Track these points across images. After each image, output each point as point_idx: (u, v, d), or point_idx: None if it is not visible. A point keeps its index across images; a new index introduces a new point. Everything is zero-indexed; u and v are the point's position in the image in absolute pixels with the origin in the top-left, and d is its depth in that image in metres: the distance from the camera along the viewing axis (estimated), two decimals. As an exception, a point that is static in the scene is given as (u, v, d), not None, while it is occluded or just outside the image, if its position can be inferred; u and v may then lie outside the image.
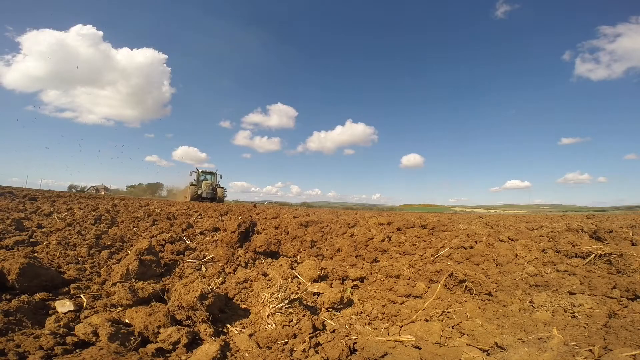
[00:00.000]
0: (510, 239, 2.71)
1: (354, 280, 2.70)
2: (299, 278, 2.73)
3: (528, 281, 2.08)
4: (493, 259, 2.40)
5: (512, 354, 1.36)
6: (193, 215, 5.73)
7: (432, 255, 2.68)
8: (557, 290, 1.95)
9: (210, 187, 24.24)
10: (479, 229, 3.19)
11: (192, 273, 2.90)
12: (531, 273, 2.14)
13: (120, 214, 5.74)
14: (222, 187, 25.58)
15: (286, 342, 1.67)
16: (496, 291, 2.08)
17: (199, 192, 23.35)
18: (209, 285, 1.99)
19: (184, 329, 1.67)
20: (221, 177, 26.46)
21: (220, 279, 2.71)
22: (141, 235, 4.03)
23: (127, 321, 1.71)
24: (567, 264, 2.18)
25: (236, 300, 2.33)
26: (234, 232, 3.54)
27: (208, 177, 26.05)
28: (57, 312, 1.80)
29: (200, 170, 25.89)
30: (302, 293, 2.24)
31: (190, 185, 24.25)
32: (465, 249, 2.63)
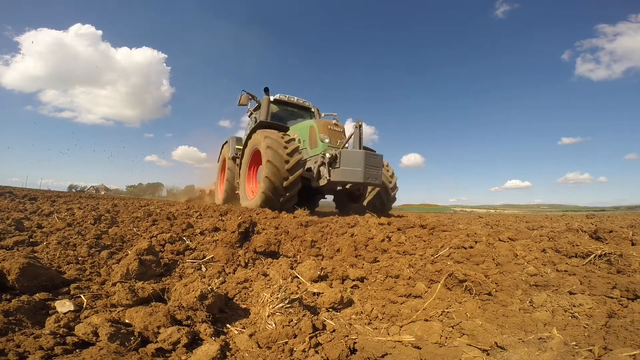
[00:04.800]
0: (510, 238, 2.71)
1: (354, 280, 2.70)
2: (299, 278, 2.73)
3: (528, 281, 2.08)
4: (493, 259, 2.40)
5: (512, 354, 1.36)
6: (193, 215, 5.73)
7: (432, 255, 2.68)
8: (557, 290, 1.94)
9: (373, 161, 5.85)
10: (479, 229, 3.19)
11: (192, 273, 2.89)
12: (531, 273, 2.14)
13: (120, 214, 5.73)
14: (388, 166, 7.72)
15: (286, 342, 1.67)
16: (496, 291, 2.08)
17: (324, 172, 5.88)
18: (209, 285, 1.98)
19: (184, 329, 1.66)
20: (361, 125, 6.19)
21: (220, 279, 2.70)
22: (141, 235, 4.02)
23: (127, 321, 1.71)
24: (567, 264, 2.18)
25: (236, 300, 2.33)
26: (234, 232, 3.54)
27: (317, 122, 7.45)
28: (57, 312, 1.79)
29: (286, 96, 8.72)
30: (302, 293, 2.23)
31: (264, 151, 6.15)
32: (465, 248, 2.63)
